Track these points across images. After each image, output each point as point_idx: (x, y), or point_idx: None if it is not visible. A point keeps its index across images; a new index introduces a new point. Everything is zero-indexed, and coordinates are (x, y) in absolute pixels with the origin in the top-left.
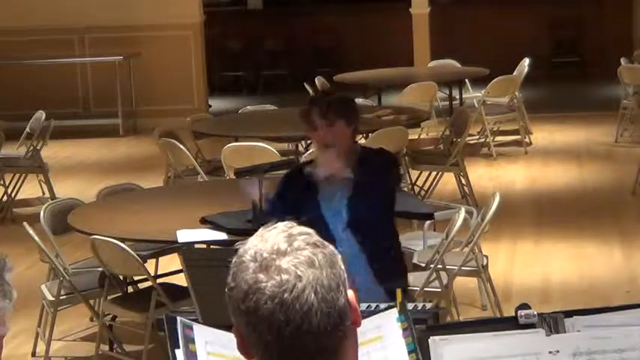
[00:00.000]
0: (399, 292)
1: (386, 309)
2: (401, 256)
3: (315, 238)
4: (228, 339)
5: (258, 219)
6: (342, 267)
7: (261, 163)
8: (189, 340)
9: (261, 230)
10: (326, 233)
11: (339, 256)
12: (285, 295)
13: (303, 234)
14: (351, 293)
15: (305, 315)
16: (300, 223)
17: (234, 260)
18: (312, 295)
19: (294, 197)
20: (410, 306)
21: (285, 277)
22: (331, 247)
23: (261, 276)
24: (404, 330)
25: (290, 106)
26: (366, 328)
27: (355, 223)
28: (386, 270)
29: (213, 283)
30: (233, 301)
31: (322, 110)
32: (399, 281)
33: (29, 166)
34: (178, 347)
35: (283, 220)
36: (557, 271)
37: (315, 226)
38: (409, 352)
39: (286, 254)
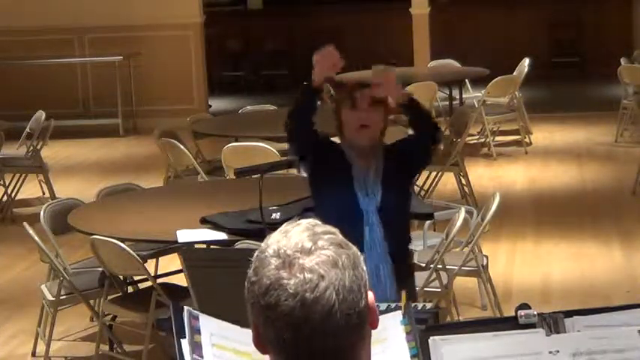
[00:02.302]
0: (404, 294)
1: (394, 309)
2: (412, 254)
3: (340, 238)
4: (233, 332)
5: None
6: (364, 269)
7: (261, 163)
8: (195, 331)
9: (284, 226)
10: (357, 213)
11: (362, 257)
12: (307, 294)
13: (328, 233)
14: (371, 295)
15: (325, 315)
16: (334, 195)
17: (255, 254)
18: (334, 295)
19: (330, 160)
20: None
21: (308, 276)
22: (354, 248)
23: (284, 273)
24: (407, 334)
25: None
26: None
27: (387, 208)
28: (401, 264)
29: (213, 283)
30: (253, 295)
31: (376, 86)
32: (409, 279)
33: (29, 166)
34: (184, 337)
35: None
36: (557, 271)
37: (347, 203)
38: (411, 357)
39: (310, 253)
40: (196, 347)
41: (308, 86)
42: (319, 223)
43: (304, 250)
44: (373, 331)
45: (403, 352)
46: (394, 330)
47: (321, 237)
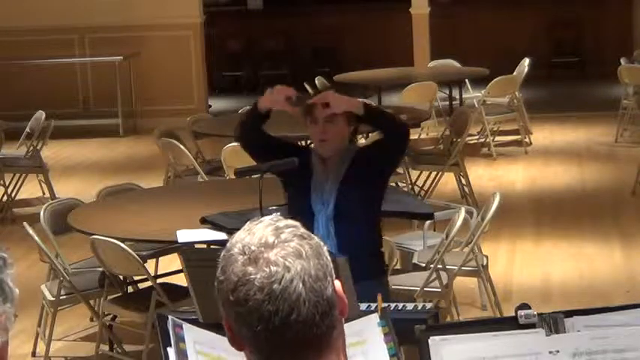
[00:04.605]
0: (379, 297)
1: (374, 310)
2: (381, 257)
3: (302, 230)
4: (216, 339)
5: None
6: (328, 258)
7: (261, 163)
8: (180, 339)
9: (248, 224)
10: (309, 217)
11: (325, 247)
12: (275, 286)
13: (290, 226)
14: (338, 284)
15: (294, 304)
16: (292, 199)
17: (222, 254)
18: (301, 285)
19: (292, 176)
20: (410, 306)
21: (273, 268)
22: (317, 238)
23: (250, 268)
24: (385, 335)
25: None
26: (347, 333)
27: (341, 214)
28: (363, 270)
29: (213, 283)
30: (223, 293)
31: (325, 105)
32: (374, 283)
33: (29, 166)
34: (170, 345)
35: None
36: (557, 271)
37: (302, 208)
38: (390, 356)
39: (274, 247)
40: (182, 355)
41: (254, 108)
42: (281, 217)
43: (268, 244)
44: (350, 334)
45: (382, 352)
46: (372, 331)
47: (284, 230)
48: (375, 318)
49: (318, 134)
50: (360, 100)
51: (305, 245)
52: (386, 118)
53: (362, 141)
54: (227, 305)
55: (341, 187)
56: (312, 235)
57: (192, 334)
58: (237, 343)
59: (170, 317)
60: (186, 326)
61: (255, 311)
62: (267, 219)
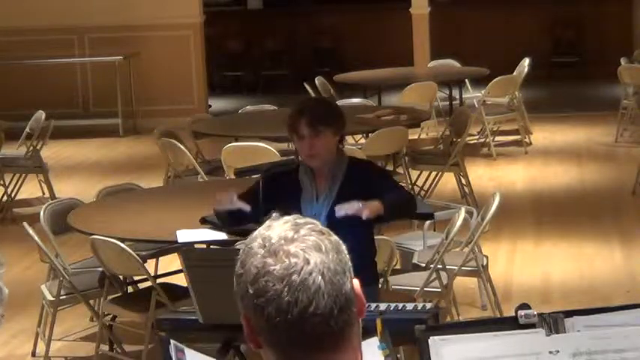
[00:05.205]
0: (379, 321)
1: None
2: (374, 267)
3: (320, 227)
4: None
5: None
6: (347, 255)
7: (261, 163)
8: None
9: (268, 221)
10: None
11: (344, 245)
12: (294, 277)
13: (309, 223)
14: (356, 282)
15: (312, 296)
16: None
17: (242, 249)
18: (320, 277)
19: (279, 199)
20: (410, 306)
21: (293, 260)
22: (335, 236)
23: (270, 260)
24: (386, 357)
25: (290, 106)
26: None
27: (332, 230)
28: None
29: (213, 283)
30: (242, 286)
31: (309, 120)
32: (366, 290)
33: (29, 166)
34: None
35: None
36: (557, 271)
37: None
38: None
39: (294, 240)
40: None
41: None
42: (300, 216)
43: (288, 238)
44: None
45: None
46: (371, 356)
47: (303, 226)
48: (375, 342)
49: (306, 149)
50: (379, 205)
51: (324, 240)
52: (402, 210)
53: (362, 141)
54: (246, 298)
55: (334, 206)
56: (331, 232)
57: (194, 359)
58: (254, 340)
59: (172, 342)
60: (188, 351)
61: (274, 302)
62: (285, 217)
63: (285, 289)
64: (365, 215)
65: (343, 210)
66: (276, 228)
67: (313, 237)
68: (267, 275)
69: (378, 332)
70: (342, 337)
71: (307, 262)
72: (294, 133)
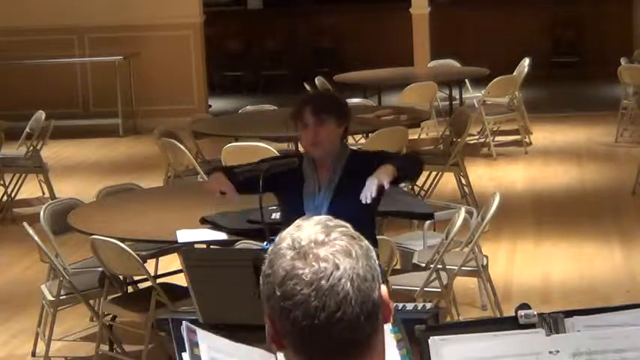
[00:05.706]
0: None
1: None
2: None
3: (352, 231)
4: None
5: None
6: (377, 261)
7: (260, 160)
8: (194, 344)
9: (298, 221)
10: None
11: (374, 251)
12: (322, 282)
13: (340, 226)
14: (384, 289)
15: (340, 302)
16: (285, 209)
17: (270, 249)
18: (349, 283)
19: (279, 193)
20: (410, 306)
21: (322, 264)
22: (366, 241)
23: (299, 263)
24: (398, 341)
25: (290, 106)
26: None
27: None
28: None
29: (213, 283)
30: (269, 287)
31: (314, 109)
32: None
33: (29, 166)
34: (185, 350)
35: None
36: (557, 271)
37: (296, 217)
38: None
39: (324, 244)
40: None
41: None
42: (331, 217)
43: (318, 241)
44: None
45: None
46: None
47: (334, 229)
48: (387, 327)
49: (310, 138)
50: (389, 166)
51: (355, 245)
52: (414, 166)
53: (362, 141)
54: (273, 299)
55: (335, 197)
56: (362, 237)
57: (206, 339)
58: (278, 342)
59: (184, 322)
60: (200, 332)
61: (301, 306)
62: (316, 217)
63: (313, 293)
64: (386, 183)
65: (367, 195)
66: (307, 229)
67: (344, 241)
68: (296, 278)
69: (390, 317)
70: (368, 344)
71: (337, 267)
72: (298, 120)
